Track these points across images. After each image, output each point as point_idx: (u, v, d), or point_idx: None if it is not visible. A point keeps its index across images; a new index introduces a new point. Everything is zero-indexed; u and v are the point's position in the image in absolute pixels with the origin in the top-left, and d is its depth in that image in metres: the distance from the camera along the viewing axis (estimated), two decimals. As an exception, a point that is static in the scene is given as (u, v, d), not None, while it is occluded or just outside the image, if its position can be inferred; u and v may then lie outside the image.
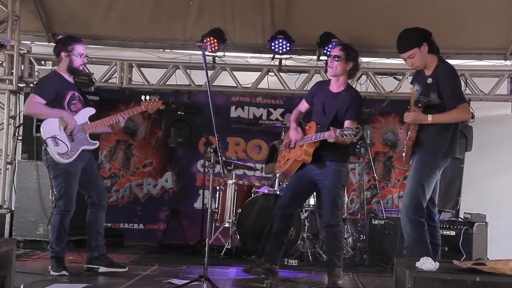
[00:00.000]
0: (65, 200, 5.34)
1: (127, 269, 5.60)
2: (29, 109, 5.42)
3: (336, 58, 5.22)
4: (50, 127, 5.29)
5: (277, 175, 6.85)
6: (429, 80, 4.70)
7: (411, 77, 6.98)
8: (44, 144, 5.25)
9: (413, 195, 4.73)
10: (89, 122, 5.46)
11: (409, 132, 4.81)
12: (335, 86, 5.32)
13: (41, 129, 5.28)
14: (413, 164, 4.82)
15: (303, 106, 5.56)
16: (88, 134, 5.44)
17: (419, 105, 4.70)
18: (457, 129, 4.86)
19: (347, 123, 5.09)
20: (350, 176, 7.99)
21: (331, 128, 4.96)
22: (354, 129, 4.84)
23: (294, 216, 5.73)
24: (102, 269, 5.52)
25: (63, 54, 5.42)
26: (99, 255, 5.55)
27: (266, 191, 6.84)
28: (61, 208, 5.34)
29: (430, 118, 4.66)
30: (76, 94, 5.48)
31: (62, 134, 5.29)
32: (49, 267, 5.35)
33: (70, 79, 5.50)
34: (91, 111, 5.54)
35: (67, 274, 5.29)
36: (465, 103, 4.77)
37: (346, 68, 5.25)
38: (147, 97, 5.72)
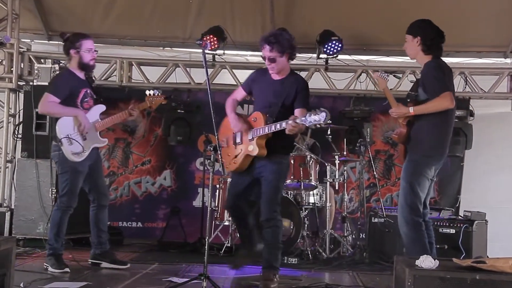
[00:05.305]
0: (68, 197, 5.39)
1: (129, 265, 5.65)
2: (44, 108, 5.40)
3: (271, 61, 4.91)
4: (65, 126, 5.33)
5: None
6: (418, 76, 4.72)
7: (412, 75, 6.97)
8: (60, 143, 5.29)
9: (406, 195, 4.70)
10: (100, 120, 5.51)
11: (399, 128, 4.80)
12: (277, 75, 5.01)
13: (56, 128, 5.32)
14: (404, 164, 4.78)
15: (240, 94, 5.18)
16: (98, 132, 5.49)
17: (408, 100, 4.68)
18: (448, 127, 4.74)
19: (297, 112, 4.74)
20: (350, 174, 7.97)
21: (291, 116, 4.60)
22: (319, 114, 4.39)
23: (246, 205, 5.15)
24: (104, 264, 5.60)
25: (72, 51, 5.44)
26: (102, 251, 5.62)
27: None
28: (63, 204, 5.39)
29: (411, 110, 4.62)
30: (88, 91, 5.51)
31: (76, 133, 5.34)
32: (46, 265, 5.35)
33: (82, 76, 5.52)
34: (101, 108, 5.59)
35: (69, 271, 5.31)
36: (447, 92, 4.53)
37: (285, 61, 4.99)
38: (151, 92, 5.75)
